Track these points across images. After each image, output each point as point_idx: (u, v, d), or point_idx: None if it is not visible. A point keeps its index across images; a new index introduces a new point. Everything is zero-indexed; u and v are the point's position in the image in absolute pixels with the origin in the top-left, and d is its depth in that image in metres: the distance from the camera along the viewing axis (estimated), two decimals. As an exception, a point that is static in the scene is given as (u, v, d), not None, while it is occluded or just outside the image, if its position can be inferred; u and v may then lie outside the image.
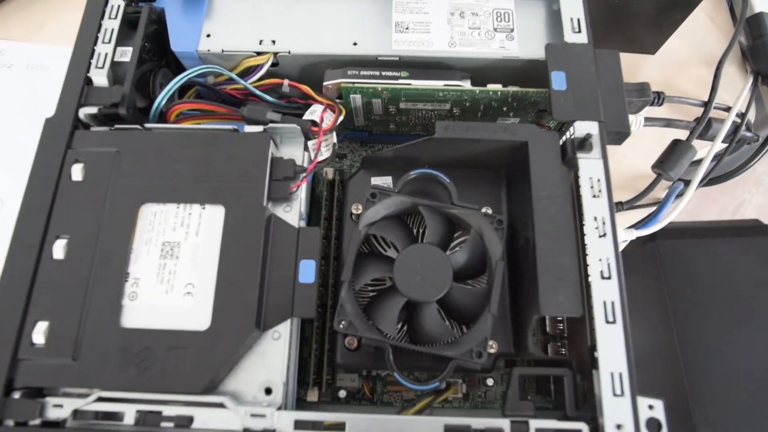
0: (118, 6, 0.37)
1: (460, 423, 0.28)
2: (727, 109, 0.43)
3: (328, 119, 0.36)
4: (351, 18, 0.38)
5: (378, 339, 0.31)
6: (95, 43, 0.36)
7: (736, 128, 0.42)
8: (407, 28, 0.38)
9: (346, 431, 0.28)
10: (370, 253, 0.36)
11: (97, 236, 0.31)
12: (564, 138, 0.34)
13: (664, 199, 0.42)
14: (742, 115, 0.43)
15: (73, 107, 0.34)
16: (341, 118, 0.37)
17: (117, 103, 0.35)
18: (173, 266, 0.31)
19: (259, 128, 0.34)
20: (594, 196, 0.32)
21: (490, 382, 0.38)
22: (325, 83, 0.37)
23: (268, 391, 0.30)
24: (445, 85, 0.36)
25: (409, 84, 0.36)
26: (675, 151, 0.41)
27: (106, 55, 0.36)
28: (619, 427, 0.28)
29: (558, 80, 0.35)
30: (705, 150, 0.43)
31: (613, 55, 0.36)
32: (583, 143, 0.33)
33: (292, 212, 0.34)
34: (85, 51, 0.36)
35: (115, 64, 0.36)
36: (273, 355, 0.31)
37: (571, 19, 0.37)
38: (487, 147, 0.35)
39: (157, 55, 0.40)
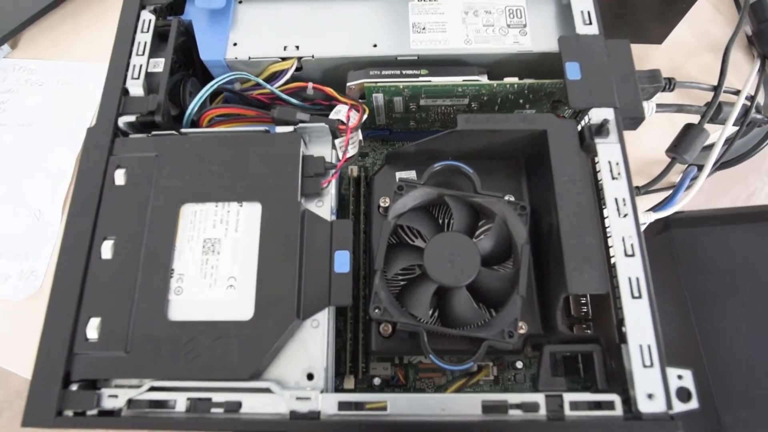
0: (150, 20, 0.39)
1: (497, 398, 0.30)
2: (737, 93, 0.44)
3: (354, 118, 0.38)
4: (370, 21, 0.40)
5: (412, 324, 0.33)
6: (130, 56, 0.38)
7: (746, 111, 0.43)
8: (424, 29, 0.40)
9: (388, 410, 0.29)
10: (399, 243, 0.38)
11: (142, 236, 0.33)
12: (581, 125, 0.36)
13: (679, 182, 0.43)
14: (751, 98, 0.44)
15: (113, 116, 0.36)
16: (365, 116, 0.39)
17: (153, 111, 0.37)
18: (215, 261, 0.33)
19: (289, 128, 0.36)
20: (614, 179, 0.33)
21: (519, 365, 0.39)
22: (348, 84, 0.39)
23: (310, 376, 0.31)
24: (463, 80, 0.38)
25: (429, 81, 0.38)
26: (688, 134, 0.42)
27: (141, 66, 0.38)
28: (650, 396, 0.29)
29: (572, 70, 0.36)
30: (717, 133, 0.44)
31: (623, 44, 0.37)
32: (601, 129, 0.34)
33: (324, 207, 0.35)
34: (120, 63, 0.38)
35: (148, 75, 0.38)
36: (313, 342, 0.32)
37: (582, 12, 0.38)
38: (506, 138, 0.37)
39: (185, 65, 0.42)
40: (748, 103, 0.44)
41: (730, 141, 0.44)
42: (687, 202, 0.41)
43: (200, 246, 0.33)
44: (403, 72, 0.38)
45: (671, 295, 0.56)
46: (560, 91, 0.39)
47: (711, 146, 0.44)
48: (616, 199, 0.33)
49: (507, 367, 0.39)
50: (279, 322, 0.31)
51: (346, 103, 0.39)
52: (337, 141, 0.38)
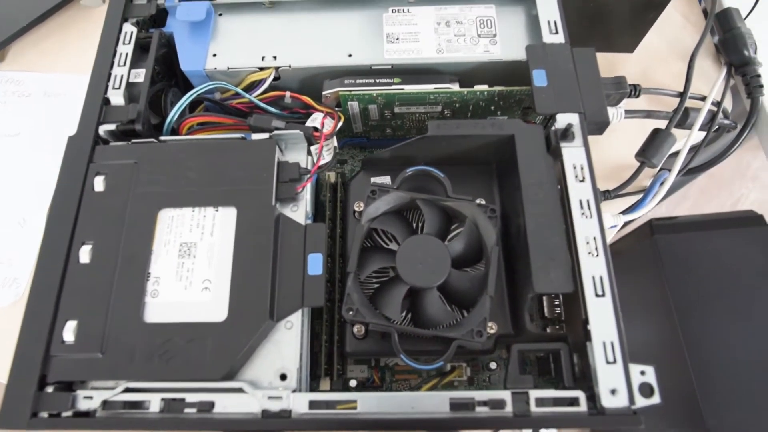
0: (131, 32, 0.41)
1: (464, 396, 0.30)
2: (704, 99, 0.45)
3: (329, 125, 0.39)
4: (345, 32, 0.41)
5: (384, 324, 0.33)
6: (111, 67, 0.39)
7: (713, 116, 0.45)
8: (398, 39, 0.41)
9: (358, 409, 0.30)
10: (373, 246, 0.38)
11: (120, 241, 0.34)
12: (548, 130, 0.37)
13: (650, 185, 0.44)
14: (717, 104, 0.45)
15: (94, 125, 0.37)
16: (341, 123, 0.40)
17: (133, 120, 0.38)
18: (191, 264, 0.33)
19: (265, 135, 0.37)
20: (579, 181, 0.34)
21: (493, 366, 0.39)
22: (324, 92, 0.40)
23: (283, 377, 0.32)
24: (435, 88, 0.39)
25: (402, 89, 0.39)
26: (656, 139, 0.43)
27: (122, 76, 0.39)
28: (613, 392, 0.29)
29: (539, 77, 0.37)
30: (694, 140, 0.45)
31: (589, 52, 0.39)
32: (566, 133, 0.35)
33: (299, 211, 0.36)
34: (102, 74, 0.39)
35: (130, 85, 0.39)
36: (286, 343, 0.33)
37: (548, 22, 0.40)
38: (477, 143, 0.38)
39: (166, 75, 0.44)
40: (715, 109, 0.45)
41: (697, 146, 0.45)
42: (656, 204, 0.42)
43: (176, 250, 0.34)
44: (377, 81, 0.40)
45: (656, 299, 0.57)
46: (529, 98, 0.40)
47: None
48: (580, 201, 0.34)
49: (482, 369, 0.40)
50: (252, 323, 0.32)
51: (322, 111, 0.40)
52: (312, 148, 0.39)
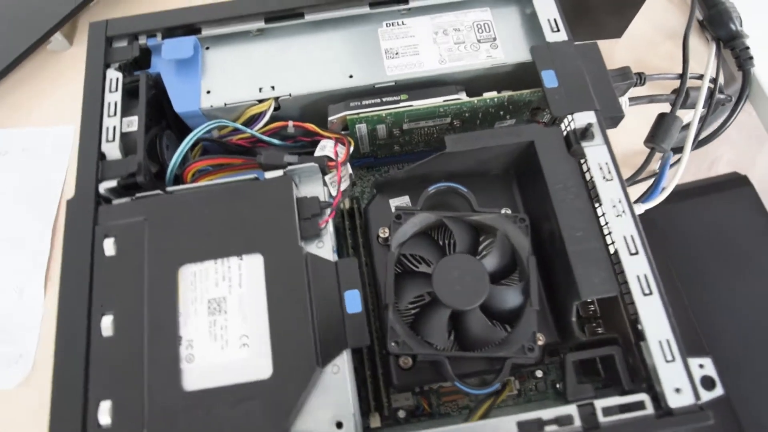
0: (117, 79, 0.38)
1: (530, 417, 0.29)
2: (700, 77, 0.46)
3: (341, 152, 0.37)
4: (342, 52, 0.40)
5: (434, 353, 0.32)
6: (101, 118, 0.37)
7: (711, 93, 0.45)
8: (397, 54, 0.40)
9: (425, 448, 0.29)
10: (404, 272, 0.37)
11: (143, 306, 0.32)
12: (565, 130, 0.36)
13: (660, 169, 0.44)
14: (713, 80, 0.46)
15: (92, 184, 0.35)
16: (352, 148, 0.39)
17: (134, 173, 0.35)
18: (223, 321, 0.32)
19: (278, 172, 0.35)
20: (607, 180, 0.34)
21: (539, 374, 0.39)
22: (330, 118, 0.39)
23: (339, 425, 0.30)
24: (444, 100, 0.38)
25: (411, 105, 0.38)
26: (663, 124, 0.43)
27: (115, 127, 0.36)
28: (678, 390, 0.29)
29: (549, 78, 0.37)
30: (688, 116, 0.45)
31: (592, 46, 0.39)
32: (585, 133, 0.35)
33: (325, 247, 0.35)
34: (92, 127, 0.36)
35: (123, 135, 0.37)
36: (336, 388, 0.31)
37: (548, 20, 0.39)
38: (494, 153, 0.37)
39: (156, 118, 0.41)
40: (712, 86, 0.45)
41: (701, 121, 0.46)
42: (673, 186, 0.43)
43: (205, 307, 0.32)
44: (384, 100, 0.38)
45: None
46: (539, 99, 0.40)
47: (685, 127, 0.46)
48: (611, 200, 0.33)
49: (527, 377, 0.39)
50: (301, 375, 0.30)
51: (330, 138, 0.39)
52: (327, 177, 0.37)
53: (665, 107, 0.46)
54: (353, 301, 0.32)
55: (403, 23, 0.41)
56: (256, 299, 0.32)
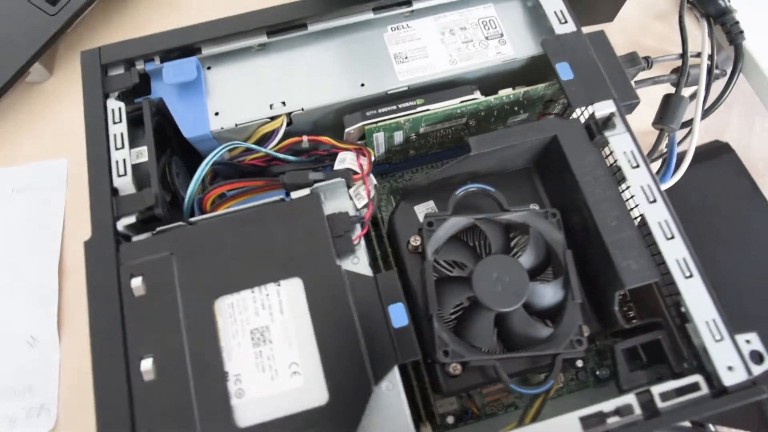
0: (119, 109, 0.36)
1: (591, 411, 0.30)
2: (697, 55, 0.47)
3: (365, 163, 0.37)
4: (350, 61, 0.39)
5: (486, 358, 0.32)
6: (108, 152, 0.35)
7: (709, 69, 0.46)
8: (406, 58, 0.39)
9: (494, 455, 0.29)
10: (440, 279, 0.37)
11: (182, 344, 0.30)
12: (584, 121, 0.36)
13: (669, 150, 0.45)
14: (710, 57, 0.47)
15: (110, 223, 0.33)
16: (373, 158, 0.38)
17: (152, 206, 0.34)
18: (270, 351, 0.31)
19: (305, 191, 0.34)
20: (634, 167, 0.34)
21: (579, 363, 0.39)
22: (347, 129, 0.38)
23: (400, 442, 0.30)
24: (461, 101, 0.38)
25: (428, 109, 0.38)
26: (670, 104, 0.44)
27: (124, 160, 0.35)
28: (730, 368, 0.30)
29: (564, 71, 0.37)
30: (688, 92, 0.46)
31: (600, 35, 0.39)
32: (607, 122, 0.35)
33: (361, 262, 0.34)
34: (101, 163, 0.34)
35: (134, 168, 0.35)
36: (392, 405, 0.31)
37: (555, 12, 0.39)
38: (517, 150, 0.37)
39: (161, 145, 0.39)
40: (710, 62, 0.46)
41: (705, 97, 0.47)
42: (688, 163, 0.43)
43: (248, 339, 0.31)
44: (400, 106, 0.38)
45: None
46: (554, 92, 0.40)
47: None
48: (641, 187, 0.34)
49: (568, 367, 0.39)
50: (359, 398, 0.29)
51: (348, 150, 0.38)
52: (350, 190, 0.36)
53: (667, 87, 0.46)
54: (398, 315, 0.32)
55: (408, 26, 0.40)
56: (300, 324, 0.31)
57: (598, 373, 0.40)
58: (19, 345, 0.42)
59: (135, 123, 0.37)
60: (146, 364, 0.30)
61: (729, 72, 0.49)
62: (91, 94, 0.36)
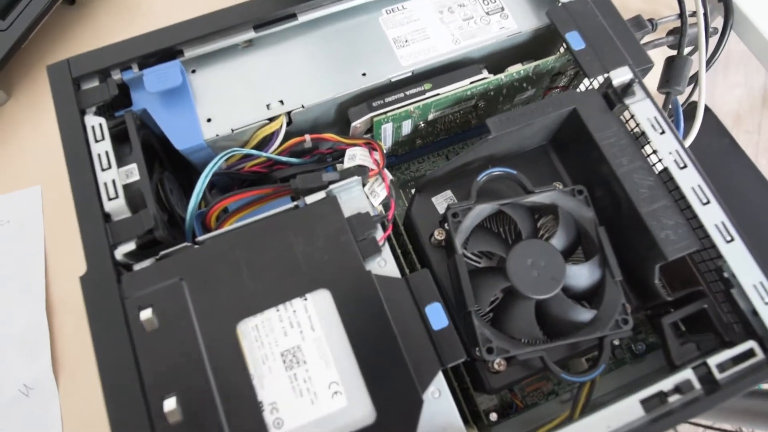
0: (100, 125, 0.32)
1: (652, 392, 0.28)
2: (692, 14, 0.46)
3: (378, 158, 0.34)
4: (348, 50, 0.36)
5: (533, 350, 0.30)
6: (94, 175, 0.31)
7: (706, 26, 0.45)
8: (407, 41, 0.37)
9: (559, 453, 0.27)
10: (470, 272, 0.35)
11: (207, 377, 0.27)
12: (601, 90, 0.35)
13: (675, 113, 0.44)
14: (705, 14, 0.46)
15: (106, 252, 0.29)
16: (385, 150, 0.35)
17: (151, 229, 0.30)
18: (305, 373, 0.28)
19: (320, 194, 0.31)
20: (660, 133, 0.33)
21: (615, 341, 0.38)
22: (354, 123, 0.35)
23: (455, 450, 0.28)
24: (471, 82, 0.36)
25: (438, 94, 0.35)
26: (675, 67, 0.43)
27: (113, 181, 0.31)
28: (784, 330, 0.29)
29: (575, 40, 0.35)
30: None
31: (605, 1, 0.37)
32: (627, 90, 0.34)
33: (388, 264, 0.31)
34: (86, 187, 0.31)
35: (125, 189, 0.31)
36: (443, 413, 0.29)
37: (556, -20, 0.37)
38: (535, 128, 0.35)
39: (149, 161, 0.36)
40: (705, 20, 0.46)
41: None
42: (700, 121, 0.43)
43: (280, 362, 0.28)
44: (407, 93, 0.35)
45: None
46: (563, 64, 0.38)
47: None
48: (670, 153, 0.32)
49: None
50: (409, 411, 0.27)
51: (357, 145, 0.35)
52: (365, 188, 0.34)
53: (665, 51, 0.45)
54: (437, 316, 0.30)
55: (403, 7, 0.38)
56: (335, 340, 0.29)
57: (633, 348, 0.39)
58: (10, 396, 0.38)
59: (118, 139, 0.33)
60: (170, 404, 0.27)
61: (720, 29, 0.49)
62: (65, 111, 0.33)
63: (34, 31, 0.46)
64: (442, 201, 0.37)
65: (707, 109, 0.59)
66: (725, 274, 0.31)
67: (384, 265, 0.31)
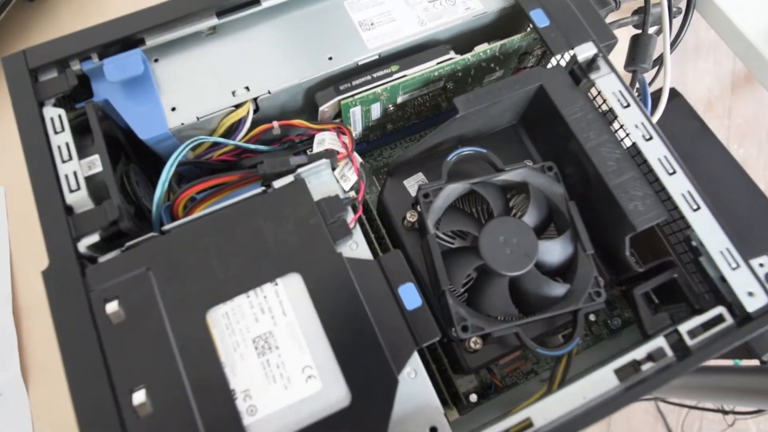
0: (59, 116, 0.32)
1: (625, 362, 0.29)
2: (655, -6, 0.47)
3: (347, 141, 0.34)
4: (313, 35, 0.36)
5: (508, 327, 0.30)
6: (54, 167, 0.30)
7: (669, 6, 0.46)
8: (372, 24, 0.36)
9: (536, 425, 0.27)
10: (443, 252, 0.35)
11: (177, 367, 0.27)
12: (567, 66, 0.35)
13: (642, 90, 0.45)
14: (667, -5, 0.47)
15: (69, 245, 0.29)
16: (354, 134, 0.35)
17: (116, 220, 0.30)
18: (277, 358, 0.28)
19: (288, 179, 0.31)
20: (625, 107, 0.33)
21: (592, 317, 0.38)
22: (321, 107, 0.35)
23: (434, 429, 0.28)
24: (437, 63, 0.36)
25: (405, 75, 0.35)
26: (639, 45, 0.44)
27: (75, 173, 0.30)
28: (750, 294, 0.29)
29: (539, 18, 0.35)
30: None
31: (567, -22, 0.37)
32: (592, 65, 0.34)
33: (360, 247, 0.31)
34: (46, 180, 0.30)
35: (88, 180, 0.31)
36: (419, 393, 0.28)
37: (519, -41, 0.37)
38: (503, 106, 0.35)
39: (113, 153, 0.35)
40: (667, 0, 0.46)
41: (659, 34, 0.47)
42: (666, 98, 0.43)
43: (252, 349, 0.28)
44: (374, 76, 0.35)
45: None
46: (529, 43, 0.38)
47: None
48: (636, 125, 0.33)
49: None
50: (384, 392, 0.27)
51: (326, 129, 0.35)
52: (335, 172, 0.33)
53: (630, 30, 0.46)
54: (410, 296, 0.29)
55: (368, -10, 0.37)
56: (307, 323, 0.28)
57: (610, 324, 0.40)
58: (-20, 403, 0.37)
59: (80, 131, 0.32)
60: (139, 397, 0.26)
61: (684, 9, 0.50)
62: (22, 104, 0.32)
63: (-9, 27, 0.45)
64: (414, 184, 0.37)
65: (678, 94, 0.60)
66: (693, 243, 0.31)
67: (356, 248, 0.31)
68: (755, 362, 0.44)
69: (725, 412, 0.82)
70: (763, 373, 0.45)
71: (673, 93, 0.63)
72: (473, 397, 0.36)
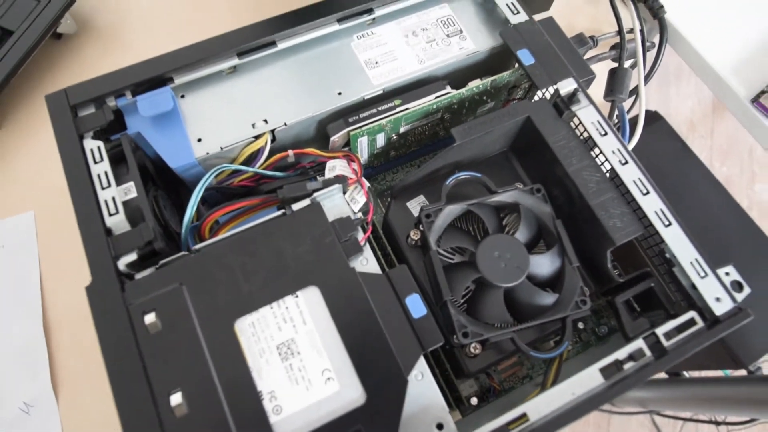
0: (98, 147, 0.35)
1: (609, 361, 0.32)
2: (630, 31, 0.51)
3: (356, 168, 0.37)
4: (324, 73, 0.40)
5: (504, 333, 0.34)
6: (95, 193, 0.34)
7: (643, 42, 0.51)
8: (377, 63, 0.41)
9: (531, 419, 0.30)
10: (444, 267, 0.38)
11: (209, 372, 0.30)
12: (551, 99, 0.39)
13: (620, 118, 0.49)
14: (641, 31, 0.52)
15: (109, 264, 0.32)
16: (362, 161, 0.39)
17: (151, 241, 0.33)
18: (299, 363, 0.31)
19: (304, 202, 0.35)
20: (602, 135, 0.37)
21: (581, 325, 0.42)
22: (332, 137, 0.39)
23: (440, 426, 0.31)
24: (436, 97, 0.40)
25: (407, 108, 0.39)
26: (617, 77, 0.48)
27: (113, 198, 0.34)
28: (718, 300, 0.33)
29: (525, 57, 0.40)
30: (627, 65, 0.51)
31: (550, 21, 0.42)
32: (572, 98, 0.38)
33: (370, 262, 0.35)
34: (88, 205, 0.33)
35: (124, 205, 0.34)
36: (426, 393, 0.31)
37: (507, 5, 0.42)
38: (495, 135, 0.39)
39: (143, 180, 0.39)
40: (642, 36, 0.51)
41: (635, 67, 0.52)
42: (641, 126, 0.47)
43: (276, 355, 0.31)
44: (379, 109, 0.39)
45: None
46: (517, 78, 0.43)
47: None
48: (612, 151, 0.37)
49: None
50: (395, 392, 0.30)
51: (336, 157, 0.39)
52: (346, 196, 0.37)
53: (609, 64, 0.51)
54: (416, 306, 0.33)
55: (372, 33, 0.42)
56: (325, 331, 0.31)
57: (597, 331, 0.43)
58: (12, 415, 0.39)
59: (115, 161, 0.36)
60: (176, 399, 0.29)
61: (657, 43, 0.55)
62: (65, 136, 0.35)
63: (24, 65, 0.49)
64: (416, 205, 0.40)
65: (659, 117, 0.64)
66: (667, 255, 0.35)
67: (366, 263, 0.35)
68: (743, 372, 0.47)
69: (717, 423, 0.85)
70: (751, 382, 0.48)
71: (656, 116, 0.67)
72: (474, 400, 0.39)
